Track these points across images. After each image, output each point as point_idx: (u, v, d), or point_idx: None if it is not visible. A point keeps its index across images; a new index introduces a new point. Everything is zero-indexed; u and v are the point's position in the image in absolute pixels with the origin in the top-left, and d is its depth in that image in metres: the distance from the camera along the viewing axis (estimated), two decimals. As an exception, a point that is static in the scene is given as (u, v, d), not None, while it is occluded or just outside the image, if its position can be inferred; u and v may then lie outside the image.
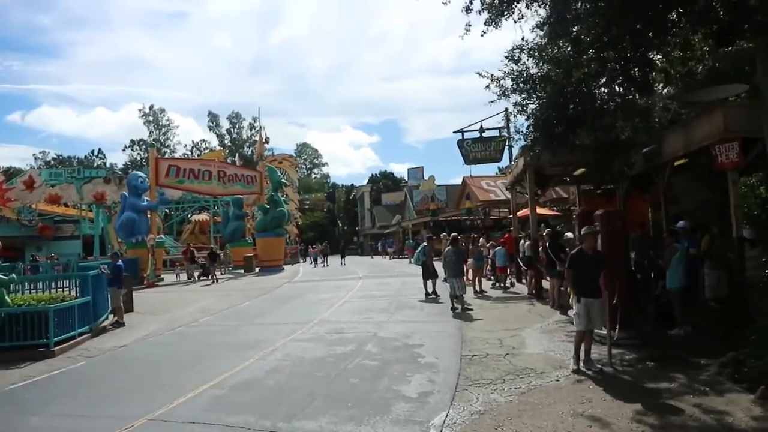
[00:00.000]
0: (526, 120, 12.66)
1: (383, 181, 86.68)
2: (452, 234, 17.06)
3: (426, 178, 56.81)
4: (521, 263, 17.45)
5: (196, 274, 28.22)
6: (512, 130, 13.33)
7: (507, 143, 19.90)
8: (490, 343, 9.29)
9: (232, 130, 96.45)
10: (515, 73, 12.06)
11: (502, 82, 12.30)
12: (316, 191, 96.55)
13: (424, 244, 16.17)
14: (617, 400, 6.07)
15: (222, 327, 12.41)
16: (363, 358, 8.59)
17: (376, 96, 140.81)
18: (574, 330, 8.02)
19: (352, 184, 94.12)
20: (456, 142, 19.96)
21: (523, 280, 18.09)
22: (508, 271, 18.88)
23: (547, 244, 13.05)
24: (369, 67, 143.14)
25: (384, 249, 53.19)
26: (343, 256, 39.75)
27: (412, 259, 16.58)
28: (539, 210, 24.52)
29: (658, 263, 9.98)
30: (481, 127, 19.90)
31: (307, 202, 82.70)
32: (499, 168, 53.25)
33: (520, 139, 13.42)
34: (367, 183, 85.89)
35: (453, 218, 42.79)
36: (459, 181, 52.92)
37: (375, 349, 9.21)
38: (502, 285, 17.47)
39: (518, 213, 20.34)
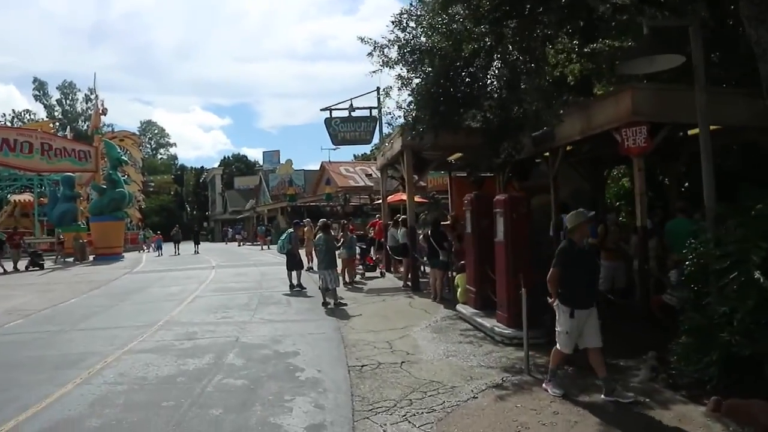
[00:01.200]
0: (409, 95, 11.50)
1: (236, 164, 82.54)
2: (321, 220, 15.53)
3: (283, 162, 54.43)
4: (390, 252, 16.44)
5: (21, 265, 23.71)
6: (392, 106, 12.14)
7: (378, 124, 18.73)
8: (379, 348, 7.92)
9: (63, 101, 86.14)
10: (401, 41, 10.80)
11: (386, 50, 10.99)
12: (163, 173, 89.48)
13: (290, 230, 14.47)
14: (559, 425, 4.97)
15: (34, 335, 9.67)
16: (225, 376, 6.76)
17: (228, 77, 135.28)
18: (469, 327, 6.93)
19: (202, 167, 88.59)
20: (323, 121, 18.41)
21: (392, 270, 17.14)
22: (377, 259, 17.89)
23: (429, 231, 12.02)
24: (222, 46, 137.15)
25: (233, 235, 50.19)
26: (196, 243, 36.16)
27: (276, 247, 14.79)
28: (403, 197, 23.89)
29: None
30: (351, 105, 18.53)
31: (152, 184, 76.10)
32: (366, 152, 52.71)
33: (398, 117, 12.21)
34: (219, 166, 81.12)
35: (312, 204, 41.21)
36: (317, 167, 51.56)
37: (239, 361, 7.40)
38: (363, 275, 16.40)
39: (388, 198, 19.34)
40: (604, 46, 11.05)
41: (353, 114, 18.64)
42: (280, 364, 7.25)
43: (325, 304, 11.64)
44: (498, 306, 8.57)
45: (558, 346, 5.86)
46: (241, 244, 45.90)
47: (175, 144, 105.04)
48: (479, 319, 8.96)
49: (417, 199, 24.68)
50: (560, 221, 11.26)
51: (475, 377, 6.45)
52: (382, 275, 16.72)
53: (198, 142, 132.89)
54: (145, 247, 41.40)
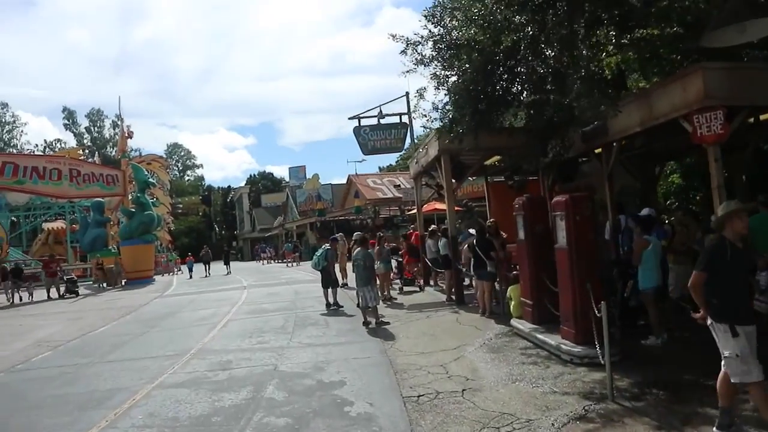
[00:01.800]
0: (446, 95, 10.73)
1: (262, 182, 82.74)
2: (357, 233, 14.78)
3: (309, 177, 54.05)
4: (430, 264, 15.60)
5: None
6: (427, 108, 11.34)
7: (408, 130, 17.98)
8: (433, 373, 7.08)
9: (92, 128, 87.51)
10: (436, 36, 10.05)
11: (419, 47, 10.24)
12: (190, 194, 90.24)
13: (327, 246, 13.73)
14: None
15: (61, 369, 9.05)
16: (265, 413, 5.99)
17: (249, 97, 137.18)
18: (528, 345, 6.02)
19: (229, 186, 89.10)
20: (352, 130, 17.71)
21: (431, 282, 16.28)
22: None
23: (475, 241, 11.15)
24: (241, 67, 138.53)
25: (259, 254, 49.86)
26: (227, 263, 35.05)
27: (311, 263, 14.07)
28: (437, 206, 23.02)
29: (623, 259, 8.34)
30: (380, 112, 17.81)
31: (180, 206, 76.62)
32: (392, 163, 52.29)
33: (434, 120, 11.42)
34: (246, 184, 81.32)
35: (341, 218, 40.61)
36: (343, 181, 51.06)
37: (280, 395, 6.63)
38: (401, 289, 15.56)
39: (423, 208, 18.54)
40: (643, 35, 10.17)
41: (382, 121, 17.92)
42: (326, 396, 6.45)
43: (366, 323, 10.84)
44: (562, 320, 7.67)
45: (731, 377, 4.55)
46: (266, 262, 45.68)
47: (201, 165, 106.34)
48: (540, 336, 8.06)
49: (443, 207, 23.82)
50: (618, 222, 10.30)
51: (552, 407, 5.57)
52: (421, 289, 15.87)
53: (223, 163, 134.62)
54: (176, 269, 41.27)
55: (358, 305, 12.86)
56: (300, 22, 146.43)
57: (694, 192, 15.12)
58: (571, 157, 11.68)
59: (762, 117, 8.65)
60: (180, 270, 41.37)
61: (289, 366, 7.99)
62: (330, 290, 13.52)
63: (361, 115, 17.75)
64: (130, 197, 31.32)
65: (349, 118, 17.55)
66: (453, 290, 13.06)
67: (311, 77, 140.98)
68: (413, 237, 17.67)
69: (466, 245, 11.82)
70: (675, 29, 10.99)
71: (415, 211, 25.28)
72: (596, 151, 10.71)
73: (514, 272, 10.15)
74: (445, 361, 7.67)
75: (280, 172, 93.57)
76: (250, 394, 6.70)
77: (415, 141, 19.02)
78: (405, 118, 17.97)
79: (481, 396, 6.07)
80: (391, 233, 30.77)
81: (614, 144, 9.80)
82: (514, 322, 9.23)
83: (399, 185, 44.60)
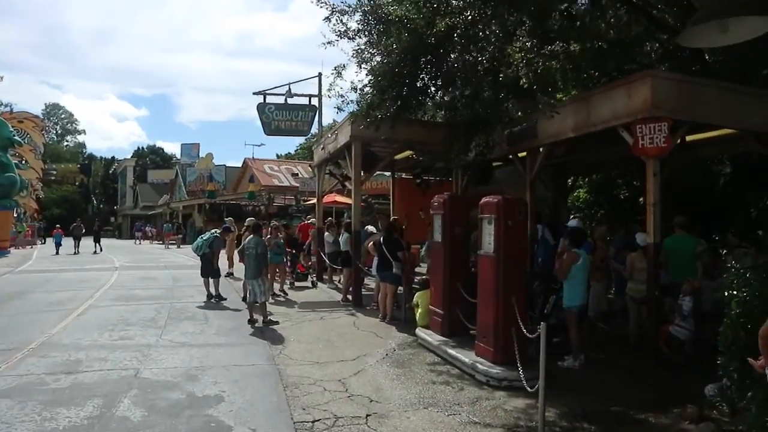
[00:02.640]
0: (367, 76, 9.68)
1: (150, 156, 77.40)
2: (250, 219, 13.37)
3: (203, 155, 50.92)
4: (326, 259, 14.52)
5: None
6: (346, 87, 10.18)
7: (318, 115, 16.74)
8: (331, 391, 5.98)
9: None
10: (366, 7, 8.98)
11: (345, 17, 9.12)
12: (68, 161, 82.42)
13: (215, 232, 12.16)
14: None
15: None
16: (113, 440, 4.62)
17: (148, 66, 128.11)
18: (437, 360, 5.17)
19: (113, 157, 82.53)
20: (256, 107, 16.16)
21: (325, 278, 15.19)
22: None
23: (382, 239, 10.18)
24: (143, 33, 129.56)
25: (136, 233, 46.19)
26: (97, 240, 30.52)
27: (192, 246, 12.47)
28: (338, 198, 21.91)
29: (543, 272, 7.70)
30: (289, 91, 16.39)
31: (54, 172, 69.61)
32: (290, 151, 51.02)
33: (350, 102, 10.33)
34: (132, 157, 75.59)
35: (232, 202, 38.33)
36: (238, 165, 48.62)
37: (137, 413, 5.22)
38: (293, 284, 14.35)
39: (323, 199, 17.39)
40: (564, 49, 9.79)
41: (290, 101, 16.51)
42: (197, 417, 5.15)
43: (252, 321, 9.55)
44: (478, 336, 6.87)
45: None
46: (141, 242, 42.53)
47: (84, 131, 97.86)
48: (451, 351, 7.22)
49: (344, 200, 22.78)
50: (536, 232, 9.78)
51: (474, 444, 4.67)
52: (314, 285, 14.69)
53: (110, 133, 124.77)
54: (39, 242, 37.03)
55: (244, 299, 11.54)
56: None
57: (597, 208, 15.19)
58: (488, 160, 11.09)
59: (688, 138, 8.36)
60: (43, 242, 37.17)
61: (155, 371, 6.55)
62: (211, 280, 12.04)
63: (267, 91, 16.26)
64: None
65: (254, 93, 16.02)
66: (350, 290, 12.03)
67: (217, 54, 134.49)
68: (301, 229, 16.46)
69: (371, 243, 10.85)
70: (599, 44, 10.76)
71: (313, 201, 24.17)
72: (520, 155, 10.10)
73: (423, 277, 9.31)
74: (343, 374, 6.60)
75: (172, 148, 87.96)
76: (97, 410, 5.23)
77: (323, 128, 17.76)
78: (315, 102, 16.69)
79: (389, 425, 5.06)
80: (285, 223, 29.26)
81: (541, 149, 9.21)
82: (420, 332, 8.35)
83: (297, 174, 43.01)
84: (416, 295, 8.96)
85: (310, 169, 42.50)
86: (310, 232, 16.31)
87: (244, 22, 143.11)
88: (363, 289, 12.23)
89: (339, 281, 15.09)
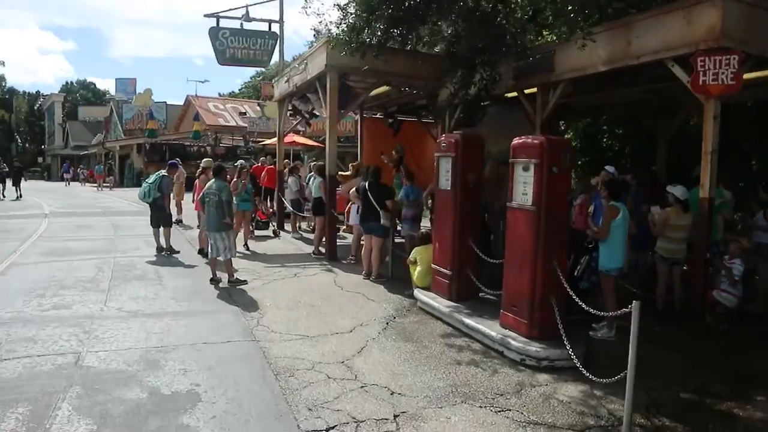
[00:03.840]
0: (353, -9, 8.08)
1: (81, 92, 71.88)
2: (206, 160, 11.66)
3: (140, 92, 47.13)
4: (289, 205, 13.07)
5: None
6: (325, 7, 8.60)
7: (278, 44, 14.78)
8: (336, 379, 4.68)
9: None
10: None
11: None
12: (-15, 96, 75.50)
13: (162, 173, 10.42)
14: None
15: None
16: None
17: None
18: (450, 331, 4.02)
19: (38, 92, 76.09)
20: (208, 32, 14.04)
21: (288, 228, 13.75)
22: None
23: (367, 185, 8.79)
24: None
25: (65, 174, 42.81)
26: (16, 184, 25.28)
27: (138, 193, 10.68)
28: (297, 139, 20.15)
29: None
30: (246, 14, 14.29)
31: (-30, 108, 63.64)
32: (234, 90, 48.79)
33: (329, 23, 8.66)
34: (60, 92, 69.76)
35: (174, 141, 35.66)
36: (178, 103, 45.49)
37: (81, 425, 3.81)
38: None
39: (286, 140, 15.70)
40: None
41: (247, 27, 14.44)
42: (168, 428, 3.77)
43: (214, 280, 8.10)
44: (506, 304, 5.68)
45: None
46: (68, 184, 39.62)
47: (3, 63, 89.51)
48: (468, 320, 6.02)
49: (303, 141, 21.08)
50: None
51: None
52: (276, 235, 13.21)
53: (33, 67, 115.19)
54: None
55: (200, 252, 10.06)
56: None
57: (580, 155, 14.17)
58: (483, 97, 9.75)
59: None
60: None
61: (102, 357, 5.06)
62: (162, 230, 10.42)
63: (220, 14, 14.11)
64: None
65: (206, 15, 13.87)
66: (323, 241, 10.67)
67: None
68: (255, 171, 14.76)
69: (353, 189, 9.43)
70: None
71: (268, 142, 22.25)
72: (527, 91, 8.79)
73: (422, 230, 8.05)
74: (345, 354, 5.32)
75: (105, 85, 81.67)
76: (22, 426, 3.76)
77: (285, 60, 15.81)
78: (276, 29, 14.70)
79: (427, 430, 3.85)
80: (232, 165, 27.25)
81: (559, 84, 7.90)
82: (420, 294, 7.12)
83: (245, 113, 40.46)
84: (415, 250, 7.67)
85: (258, 108, 40.11)
86: (263, 174, 14.67)
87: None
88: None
89: (301, 229, 13.70)
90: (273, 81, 14.17)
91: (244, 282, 8.16)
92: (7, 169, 25.44)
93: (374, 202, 8.50)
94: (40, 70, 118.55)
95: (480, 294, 6.77)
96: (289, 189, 12.74)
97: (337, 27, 8.43)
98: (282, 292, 7.79)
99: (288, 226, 13.82)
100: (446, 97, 9.35)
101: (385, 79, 10.63)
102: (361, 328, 6.15)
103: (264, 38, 14.41)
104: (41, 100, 72.00)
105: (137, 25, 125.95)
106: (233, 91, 67.31)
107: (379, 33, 7.99)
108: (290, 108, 13.80)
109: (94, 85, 75.23)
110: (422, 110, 13.68)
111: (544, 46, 8.24)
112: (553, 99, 8.06)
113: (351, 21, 8.16)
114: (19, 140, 73.42)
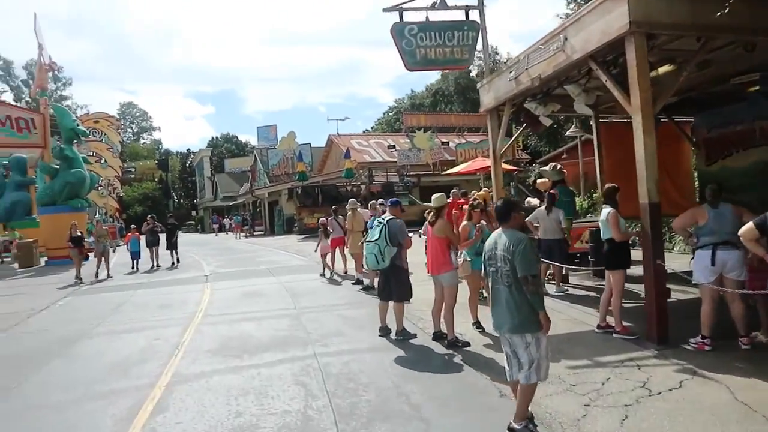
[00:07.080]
0: None
1: (226, 146, 74.57)
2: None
3: (284, 136, 46.29)
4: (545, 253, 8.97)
5: None
6: None
7: (480, 35, 11.07)
8: None
9: (31, 82, 76.81)
10: None
11: None
12: (146, 158, 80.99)
13: (385, 218, 6.86)
14: None
15: None
16: None
17: (208, 64, 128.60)
18: None
19: (188, 150, 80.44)
20: (390, 30, 10.68)
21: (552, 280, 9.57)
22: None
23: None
24: (200, 32, 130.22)
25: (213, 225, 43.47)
26: (172, 248, 19.44)
27: (367, 262, 6.88)
28: (487, 163, 16.23)
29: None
30: (436, 1, 10.77)
31: (133, 170, 67.79)
32: (372, 125, 46.78)
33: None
34: (207, 147, 72.73)
35: (325, 183, 33.44)
36: (317, 145, 44.38)
37: None
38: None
39: (461, 169, 11.81)
40: None
41: (434, 18, 10.80)
42: None
43: (525, 420, 4.19)
44: None
45: None
46: (217, 234, 41.93)
47: (159, 128, 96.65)
48: None
49: (505, 167, 17.03)
50: None
51: None
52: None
53: (181, 132, 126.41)
54: (121, 243, 33.62)
55: (437, 337, 6.36)
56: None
57: None
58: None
59: None
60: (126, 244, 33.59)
61: None
62: (393, 305, 6.89)
63: (403, 5, 10.69)
64: (51, 150, 23.59)
65: (385, 10, 10.56)
66: (611, 308, 6.47)
67: (271, 46, 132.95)
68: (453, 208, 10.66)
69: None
70: None
71: (449, 171, 18.65)
72: None
73: None
74: None
75: (245, 138, 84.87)
76: None
77: (491, 53, 12.07)
78: (474, 16, 11.00)
79: None
80: (464, 191, 23.98)
81: None
82: None
83: (393, 146, 37.75)
84: None
85: (406, 140, 37.19)
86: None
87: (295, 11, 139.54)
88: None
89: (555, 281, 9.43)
90: (479, 85, 10.46)
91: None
92: (160, 229, 20.84)
93: None
94: (186, 135, 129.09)
95: None
96: (543, 228, 8.80)
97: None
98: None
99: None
100: None
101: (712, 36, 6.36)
102: None
103: (462, 30, 10.73)
104: (191, 157, 75.64)
105: (265, 82, 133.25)
106: (366, 129, 66.19)
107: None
108: (511, 114, 9.87)
109: (237, 137, 77.97)
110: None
111: None
112: None
113: None
114: (175, 197, 77.50)
